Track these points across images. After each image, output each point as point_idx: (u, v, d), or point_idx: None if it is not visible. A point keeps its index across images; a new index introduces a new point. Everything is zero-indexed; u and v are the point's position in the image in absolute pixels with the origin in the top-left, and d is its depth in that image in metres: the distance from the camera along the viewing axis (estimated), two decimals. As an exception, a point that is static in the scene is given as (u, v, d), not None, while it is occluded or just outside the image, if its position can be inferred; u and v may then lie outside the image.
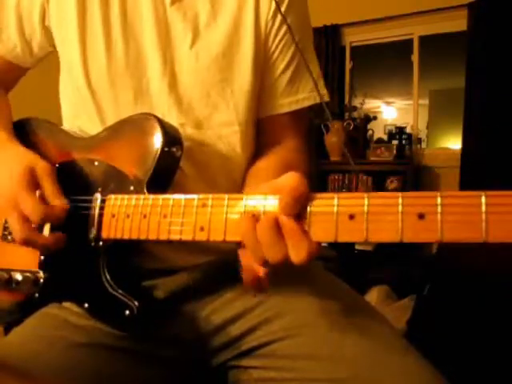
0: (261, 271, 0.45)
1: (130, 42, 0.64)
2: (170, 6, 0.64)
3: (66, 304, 0.61)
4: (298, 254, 0.40)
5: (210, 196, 0.46)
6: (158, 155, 0.55)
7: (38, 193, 0.58)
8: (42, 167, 0.59)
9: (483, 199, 0.34)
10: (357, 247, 2.44)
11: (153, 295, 0.62)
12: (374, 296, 1.87)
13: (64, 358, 0.55)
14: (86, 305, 0.57)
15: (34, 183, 0.58)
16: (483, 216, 0.33)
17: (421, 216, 0.36)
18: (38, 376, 0.52)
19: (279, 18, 0.66)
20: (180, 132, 0.59)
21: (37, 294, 0.61)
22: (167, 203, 0.50)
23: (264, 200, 0.43)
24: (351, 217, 0.39)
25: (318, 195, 0.41)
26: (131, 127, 0.60)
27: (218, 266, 0.65)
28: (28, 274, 0.60)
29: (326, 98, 0.71)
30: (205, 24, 0.65)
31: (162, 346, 0.61)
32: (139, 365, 0.59)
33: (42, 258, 0.62)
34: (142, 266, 0.62)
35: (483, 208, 0.33)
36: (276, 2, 0.65)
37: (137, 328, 0.56)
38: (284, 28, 0.67)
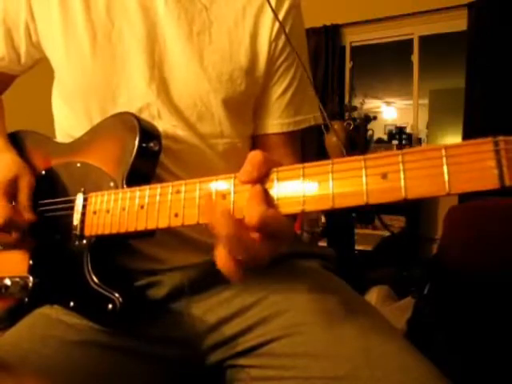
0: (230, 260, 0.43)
1: (117, 45, 0.64)
2: (163, 7, 0.64)
3: None
4: (250, 218, 0.39)
5: (184, 182, 0.47)
6: (135, 151, 0.56)
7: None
8: (25, 180, 0.63)
9: (443, 152, 0.33)
10: (357, 247, 2.43)
11: (139, 291, 0.62)
12: (373, 296, 1.87)
13: (57, 356, 0.55)
14: (72, 303, 0.57)
15: (11, 192, 0.62)
16: (445, 168, 0.33)
17: (384, 176, 0.36)
18: (31, 375, 0.52)
19: (282, 39, 0.67)
20: (158, 127, 0.60)
21: (26, 299, 0.61)
22: (144, 194, 0.51)
23: (232, 179, 0.43)
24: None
25: (285, 167, 0.41)
26: (109, 126, 0.61)
27: (214, 266, 0.65)
28: (17, 279, 0.61)
29: (318, 120, 0.74)
30: (198, 31, 0.65)
31: (155, 344, 0.61)
32: (132, 363, 0.59)
33: (31, 262, 0.63)
34: (135, 267, 0.62)
35: (444, 160, 0.33)
36: (281, 24, 0.66)
37: (121, 323, 0.56)
38: (287, 50, 0.68)
